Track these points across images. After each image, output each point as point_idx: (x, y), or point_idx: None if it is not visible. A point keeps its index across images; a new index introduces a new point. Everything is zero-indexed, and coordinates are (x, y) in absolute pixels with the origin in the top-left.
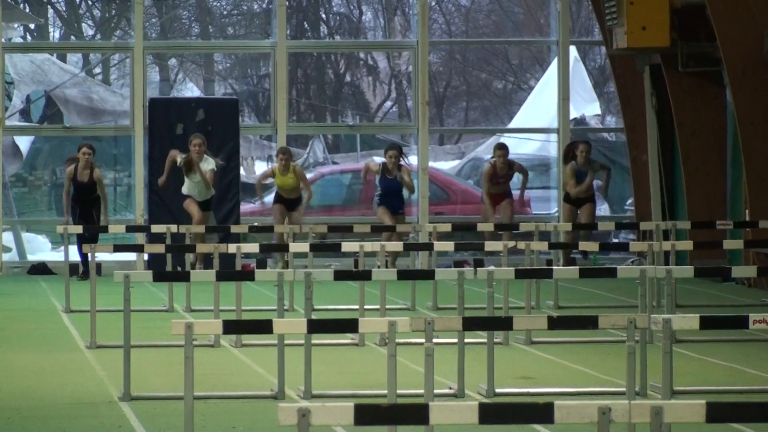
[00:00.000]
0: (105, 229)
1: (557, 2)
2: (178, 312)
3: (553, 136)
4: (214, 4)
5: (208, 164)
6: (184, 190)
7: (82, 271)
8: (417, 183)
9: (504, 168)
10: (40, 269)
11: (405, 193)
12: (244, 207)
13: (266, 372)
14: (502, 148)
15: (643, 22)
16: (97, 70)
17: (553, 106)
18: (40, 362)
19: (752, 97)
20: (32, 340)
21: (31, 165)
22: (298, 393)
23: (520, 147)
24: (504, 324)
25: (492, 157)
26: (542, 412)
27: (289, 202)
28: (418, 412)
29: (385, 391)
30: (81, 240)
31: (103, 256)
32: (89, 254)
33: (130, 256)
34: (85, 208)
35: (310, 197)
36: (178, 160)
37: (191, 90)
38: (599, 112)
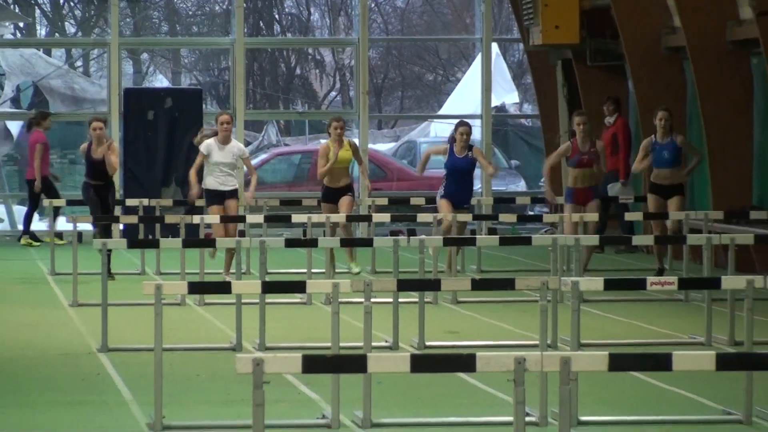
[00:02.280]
0: (117, 219)
1: (481, 4)
2: (149, 275)
3: (478, 122)
4: (181, 5)
5: (239, 146)
6: (208, 182)
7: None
8: (361, 169)
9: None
10: (28, 237)
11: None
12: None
13: (226, 327)
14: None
15: (556, 21)
16: (79, 63)
17: (477, 95)
18: (29, 318)
19: (650, 87)
20: (22, 299)
21: (21, 146)
22: (254, 345)
23: (448, 131)
24: (433, 285)
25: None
26: (466, 362)
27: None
28: (357, 362)
29: (329, 344)
30: (31, 209)
31: (83, 226)
32: (73, 224)
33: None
34: (101, 190)
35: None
36: (197, 138)
37: (161, 81)
38: (518, 100)
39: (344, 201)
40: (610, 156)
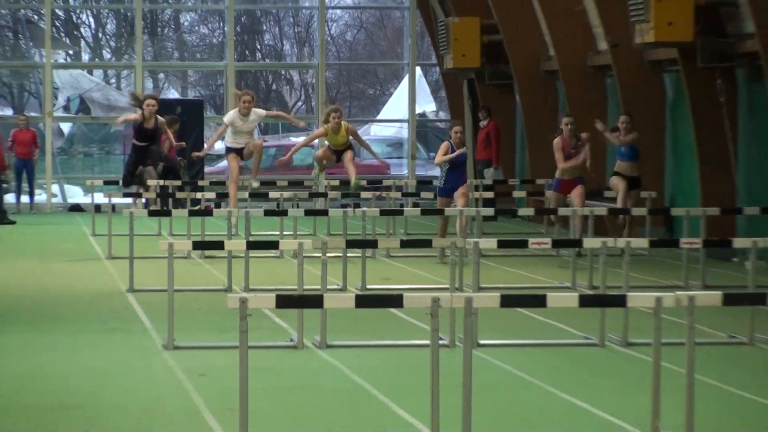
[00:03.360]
0: (139, 195)
1: (408, 38)
2: (164, 236)
3: (405, 125)
4: (188, 38)
5: (260, 112)
6: (228, 141)
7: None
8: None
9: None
10: (76, 208)
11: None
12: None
13: (220, 274)
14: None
15: (462, 51)
16: (113, 80)
17: (404, 105)
18: (75, 267)
19: (531, 101)
20: (69, 253)
21: (71, 141)
22: (240, 288)
23: (384, 132)
24: (372, 244)
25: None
26: (396, 299)
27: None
28: (316, 300)
29: (296, 287)
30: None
31: (116, 200)
32: (109, 198)
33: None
34: (143, 153)
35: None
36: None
37: (173, 93)
38: (435, 109)
39: (347, 155)
40: (484, 149)
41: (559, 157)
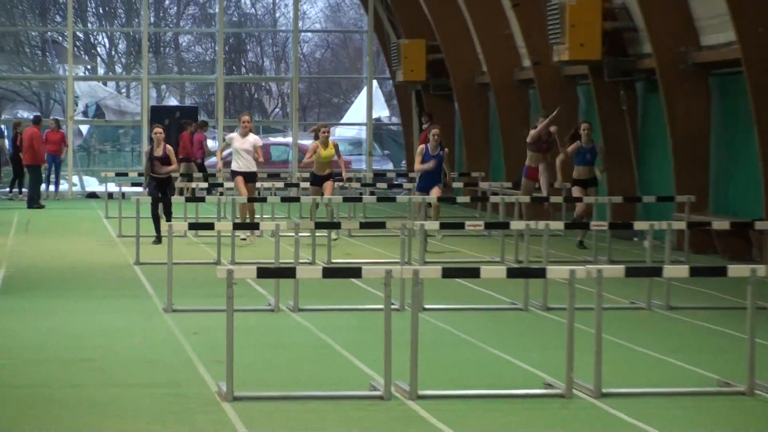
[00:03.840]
0: (170, 211)
1: (366, 56)
2: (164, 218)
3: (364, 128)
4: (185, 55)
5: (255, 138)
6: (234, 165)
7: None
8: (293, 153)
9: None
10: (92, 195)
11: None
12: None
13: (211, 250)
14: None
15: (411, 67)
16: (123, 90)
17: (363, 111)
18: (90, 244)
19: (468, 109)
20: (85, 232)
21: (88, 141)
22: (228, 261)
23: (346, 133)
24: (336, 225)
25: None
26: (355, 271)
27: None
28: (290, 271)
29: (273, 260)
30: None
31: (126, 189)
32: (120, 187)
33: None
34: (162, 182)
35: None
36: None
37: (172, 101)
38: (388, 114)
39: (327, 184)
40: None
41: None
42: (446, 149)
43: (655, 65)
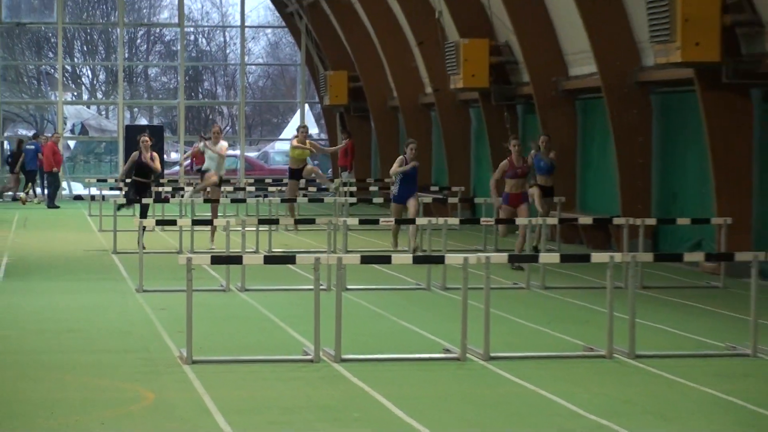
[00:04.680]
0: (121, 188)
1: (299, 84)
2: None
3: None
4: (153, 84)
5: (223, 144)
6: (204, 166)
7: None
8: (240, 163)
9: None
10: (78, 197)
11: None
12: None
13: (174, 242)
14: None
15: (336, 93)
16: (103, 112)
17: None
18: (74, 236)
19: (384, 127)
20: (70, 227)
21: (74, 154)
22: (188, 250)
23: (283, 147)
24: (275, 221)
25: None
26: (291, 258)
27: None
28: (238, 258)
29: (224, 250)
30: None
31: (106, 192)
32: (100, 191)
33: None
34: (142, 186)
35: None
36: (201, 145)
37: (143, 121)
38: (318, 131)
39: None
40: (344, 158)
41: (498, 175)
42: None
43: (532, 92)
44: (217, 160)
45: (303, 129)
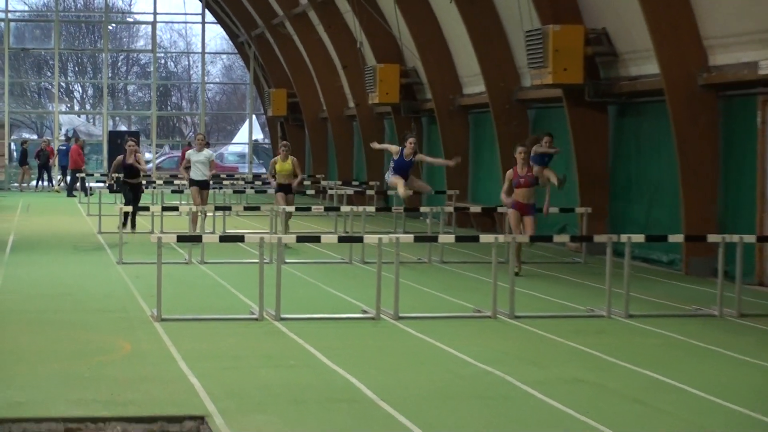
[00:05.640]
0: (136, 211)
1: (248, 99)
2: (118, 203)
3: (246, 145)
4: (131, 98)
5: (209, 152)
6: (191, 175)
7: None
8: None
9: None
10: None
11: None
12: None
13: (148, 224)
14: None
15: (277, 106)
16: (91, 120)
17: (246, 135)
18: (66, 221)
19: (317, 136)
20: (65, 213)
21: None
22: (158, 231)
23: (235, 149)
24: (228, 208)
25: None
26: (240, 238)
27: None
28: (198, 237)
29: (187, 231)
30: (72, 183)
31: (92, 184)
32: (87, 185)
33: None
34: (134, 187)
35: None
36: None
37: (123, 127)
38: (262, 137)
39: (290, 194)
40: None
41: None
42: (419, 155)
43: (434, 107)
44: (200, 167)
45: (284, 143)
